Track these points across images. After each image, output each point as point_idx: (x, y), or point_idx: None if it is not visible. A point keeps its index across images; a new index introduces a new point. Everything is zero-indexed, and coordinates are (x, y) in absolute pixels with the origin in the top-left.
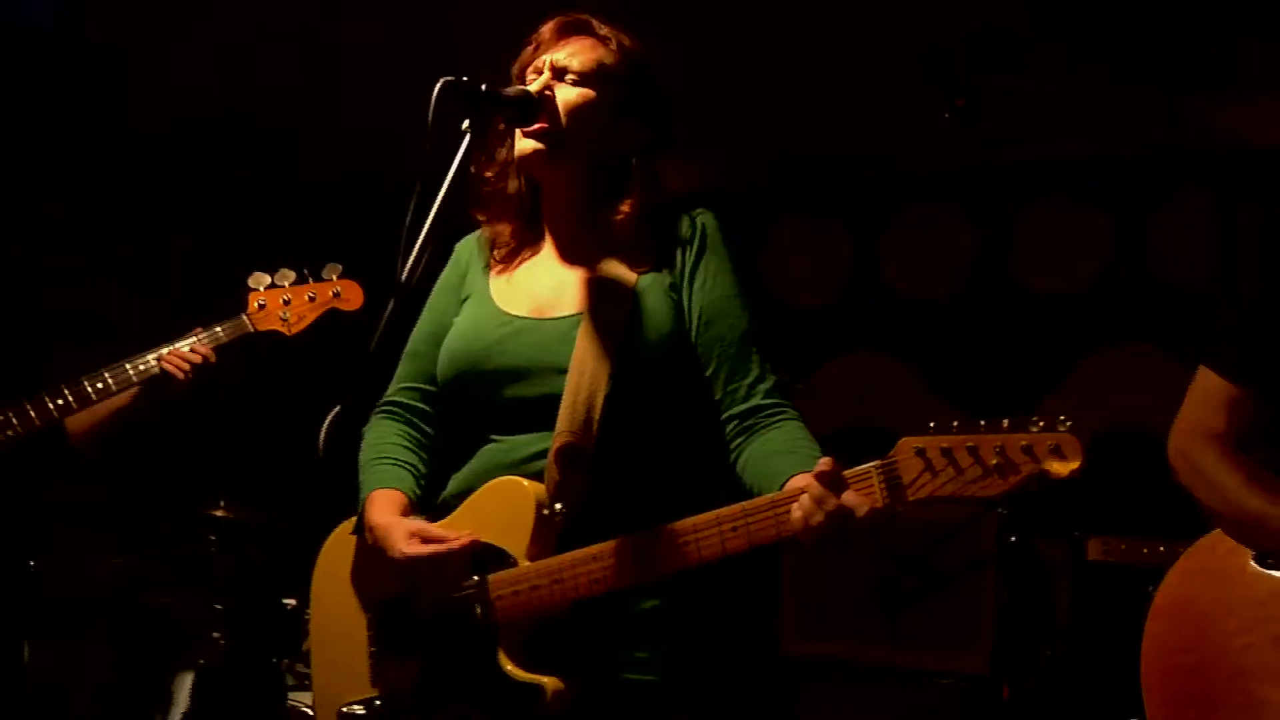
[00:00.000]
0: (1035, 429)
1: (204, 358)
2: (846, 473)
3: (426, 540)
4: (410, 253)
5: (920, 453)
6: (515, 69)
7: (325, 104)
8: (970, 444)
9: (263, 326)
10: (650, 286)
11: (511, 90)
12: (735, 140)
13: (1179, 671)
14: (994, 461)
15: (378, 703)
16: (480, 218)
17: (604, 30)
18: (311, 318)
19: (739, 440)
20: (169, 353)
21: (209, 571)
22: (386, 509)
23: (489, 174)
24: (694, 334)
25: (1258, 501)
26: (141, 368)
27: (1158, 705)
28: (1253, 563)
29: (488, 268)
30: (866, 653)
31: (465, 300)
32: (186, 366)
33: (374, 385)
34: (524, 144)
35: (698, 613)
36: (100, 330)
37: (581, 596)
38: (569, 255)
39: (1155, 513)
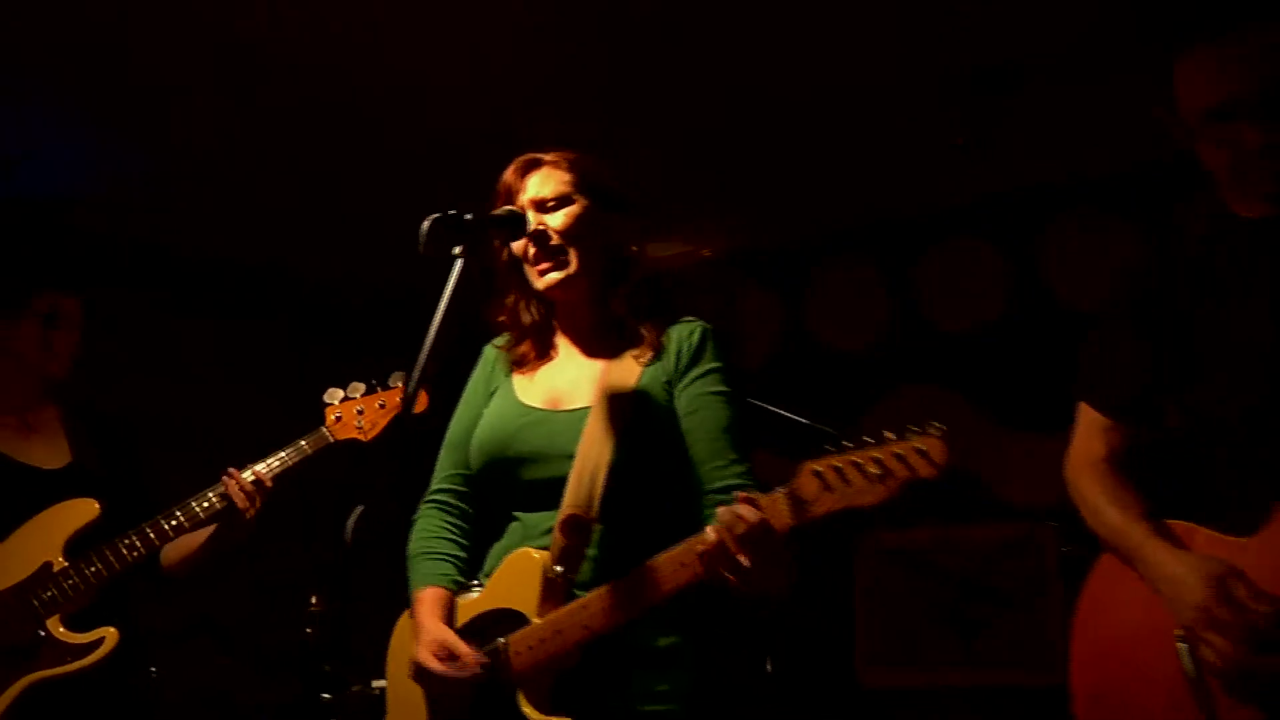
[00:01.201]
0: (907, 439)
1: (259, 482)
2: (760, 499)
3: (443, 658)
4: (414, 374)
5: (817, 474)
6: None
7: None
8: (856, 460)
9: (341, 436)
10: (650, 383)
11: (499, 211)
12: (769, 200)
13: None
14: (875, 471)
15: None
16: (499, 344)
17: (551, 157)
18: (384, 423)
19: (708, 513)
20: (227, 480)
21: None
22: (427, 608)
23: (503, 317)
24: (683, 423)
25: (1117, 518)
26: (207, 504)
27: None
28: None
29: (509, 371)
30: (946, 677)
31: (493, 394)
32: (243, 498)
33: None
34: (545, 279)
35: (713, 645)
36: (198, 440)
37: (579, 642)
38: (583, 353)
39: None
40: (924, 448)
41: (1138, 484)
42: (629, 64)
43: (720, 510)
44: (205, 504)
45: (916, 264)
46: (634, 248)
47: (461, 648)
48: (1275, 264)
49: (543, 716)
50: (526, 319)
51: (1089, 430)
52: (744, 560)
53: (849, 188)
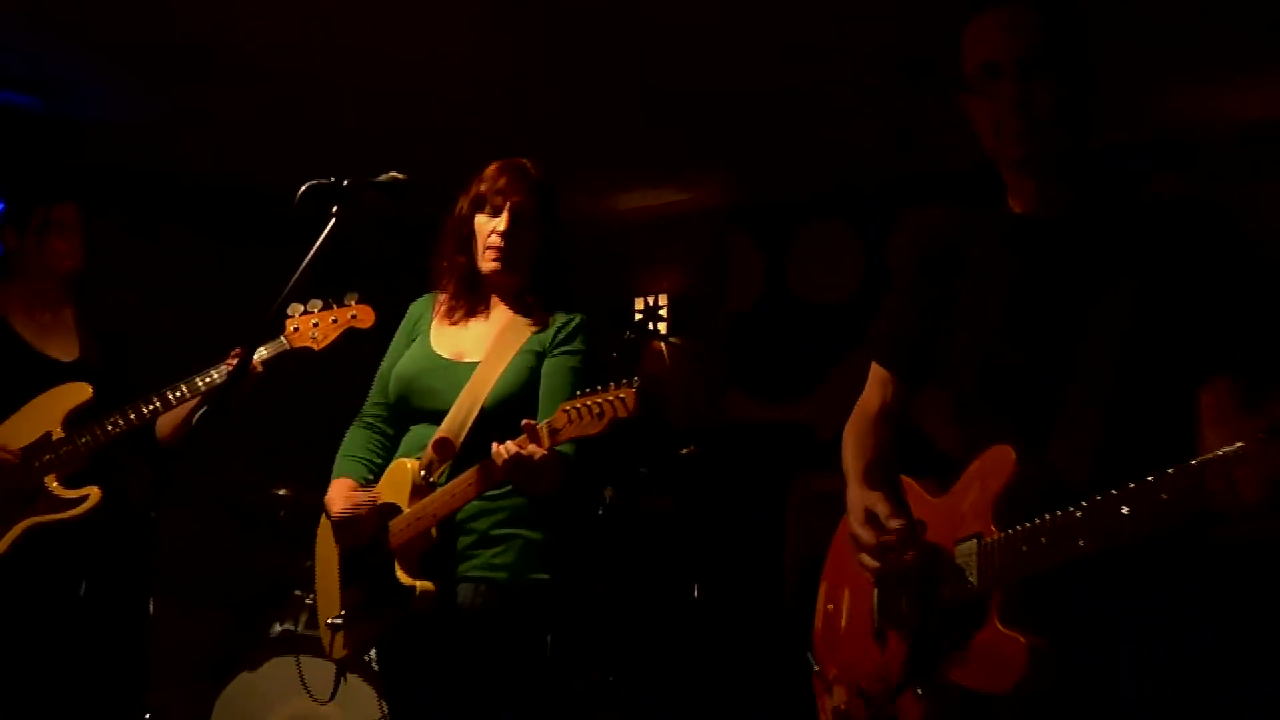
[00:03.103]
0: (618, 388)
1: (254, 370)
2: (533, 427)
3: (344, 505)
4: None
5: (565, 412)
6: (470, 195)
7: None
8: (588, 404)
9: (297, 344)
10: (528, 352)
11: (383, 177)
12: (762, 160)
13: (830, 575)
14: (596, 411)
15: (343, 615)
16: (436, 288)
17: (533, 172)
18: (334, 335)
19: None
20: (225, 367)
21: (283, 541)
22: (334, 489)
23: (446, 264)
24: (541, 384)
25: (850, 461)
26: (208, 380)
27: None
28: None
29: (432, 320)
30: None
31: (413, 341)
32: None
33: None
34: (489, 264)
35: (546, 537)
36: (183, 348)
37: (430, 524)
38: (493, 318)
39: None
40: (623, 396)
41: (888, 438)
42: (629, 47)
43: (496, 446)
44: (206, 379)
45: (891, 228)
46: (554, 259)
47: (355, 492)
48: (1013, 254)
49: (410, 579)
50: (458, 273)
51: (871, 382)
52: (515, 477)
53: (831, 155)
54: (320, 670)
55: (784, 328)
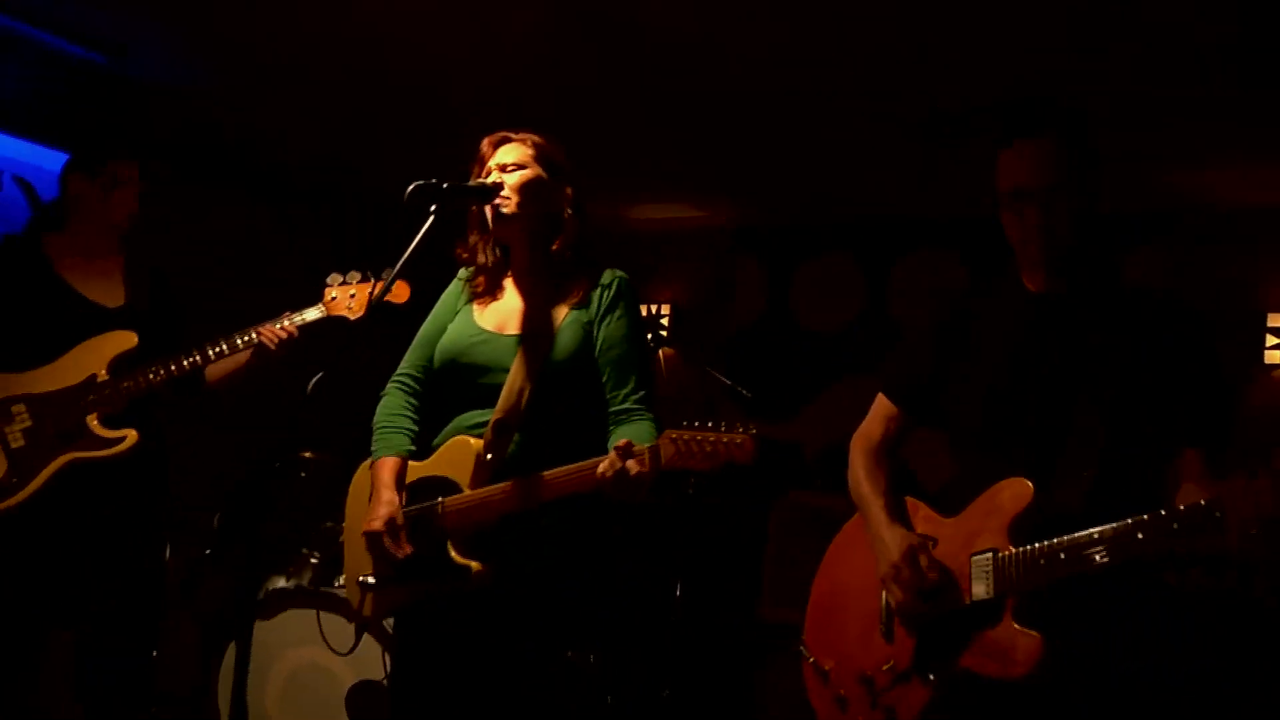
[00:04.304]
0: (735, 432)
1: (289, 334)
2: (635, 448)
3: (388, 530)
4: (388, 283)
5: (674, 441)
6: (471, 175)
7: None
8: (699, 438)
9: (333, 312)
10: (571, 322)
11: (473, 183)
12: (772, 189)
13: (829, 577)
14: (709, 450)
15: (375, 576)
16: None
17: (519, 135)
18: (365, 307)
19: (611, 427)
20: (265, 328)
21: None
22: (387, 474)
23: (465, 254)
24: (598, 355)
25: (866, 489)
26: (245, 339)
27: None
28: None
29: (472, 295)
30: None
31: (458, 312)
32: (275, 340)
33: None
34: (504, 211)
35: (596, 541)
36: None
37: (496, 514)
38: (526, 291)
39: None
40: (740, 443)
41: (893, 468)
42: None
43: (609, 456)
44: (245, 338)
45: (893, 265)
46: (569, 212)
47: (403, 538)
48: (1025, 326)
49: (462, 559)
50: (482, 259)
51: (876, 415)
52: (611, 490)
53: (846, 190)
54: (330, 624)
55: (780, 348)
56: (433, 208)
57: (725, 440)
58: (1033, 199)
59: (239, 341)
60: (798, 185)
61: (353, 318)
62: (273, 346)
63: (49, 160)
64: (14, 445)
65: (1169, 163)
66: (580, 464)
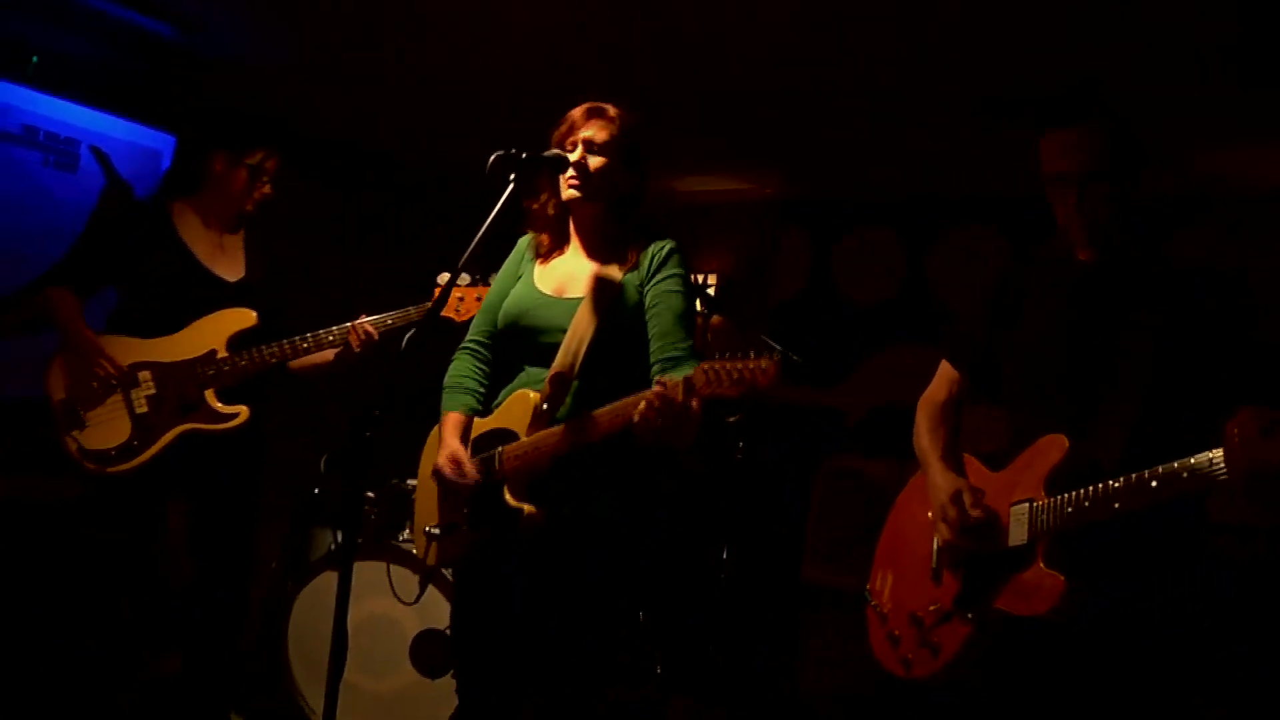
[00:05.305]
0: (759, 357)
1: (369, 334)
2: (669, 381)
3: (454, 467)
4: (469, 253)
5: (705, 371)
6: (555, 136)
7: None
8: (728, 368)
9: (442, 313)
10: (627, 284)
11: (549, 153)
12: (824, 162)
13: (892, 528)
14: (735, 376)
15: (440, 526)
16: (529, 230)
17: (612, 113)
18: (475, 310)
19: (656, 372)
20: (351, 326)
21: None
22: (450, 427)
23: (535, 206)
24: (647, 313)
25: (926, 443)
26: (331, 337)
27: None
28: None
29: (534, 259)
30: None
31: (519, 278)
32: (356, 340)
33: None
34: (569, 191)
35: (644, 487)
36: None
37: (549, 455)
38: (586, 254)
39: None
40: (765, 367)
41: (953, 427)
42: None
43: (649, 391)
44: (330, 336)
45: (934, 241)
46: (633, 194)
47: (467, 463)
48: (1070, 294)
49: (518, 503)
50: (549, 213)
51: (941, 379)
52: (657, 421)
53: (891, 166)
54: (396, 576)
55: (823, 320)
56: (512, 176)
57: (751, 366)
58: (1072, 184)
59: (326, 337)
60: (846, 161)
61: (459, 320)
62: (355, 346)
63: (120, 130)
64: (139, 410)
65: (1167, 163)
66: (626, 399)
